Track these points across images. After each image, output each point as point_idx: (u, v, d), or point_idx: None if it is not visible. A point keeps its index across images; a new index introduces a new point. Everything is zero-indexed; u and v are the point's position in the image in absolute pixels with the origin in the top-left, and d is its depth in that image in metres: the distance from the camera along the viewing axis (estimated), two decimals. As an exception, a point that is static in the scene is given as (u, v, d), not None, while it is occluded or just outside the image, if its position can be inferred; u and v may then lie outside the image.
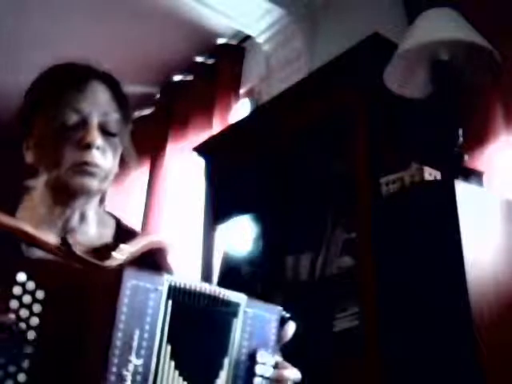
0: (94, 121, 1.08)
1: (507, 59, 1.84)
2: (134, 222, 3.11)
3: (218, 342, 0.91)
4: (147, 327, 0.83)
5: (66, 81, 1.11)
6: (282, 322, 0.99)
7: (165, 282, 0.85)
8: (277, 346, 0.98)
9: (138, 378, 0.81)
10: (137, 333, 0.82)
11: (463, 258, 1.52)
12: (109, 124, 1.10)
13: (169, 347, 0.85)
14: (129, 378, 0.80)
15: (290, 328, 1.01)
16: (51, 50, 3.14)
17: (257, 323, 0.95)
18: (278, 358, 0.98)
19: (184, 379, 0.86)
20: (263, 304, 0.97)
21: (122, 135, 1.14)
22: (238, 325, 0.92)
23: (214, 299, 0.90)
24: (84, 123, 1.08)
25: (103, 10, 3.00)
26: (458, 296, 1.50)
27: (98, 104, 1.10)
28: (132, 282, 0.82)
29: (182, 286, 0.87)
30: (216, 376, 0.89)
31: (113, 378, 0.79)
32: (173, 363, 0.85)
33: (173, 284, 0.86)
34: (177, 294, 0.86)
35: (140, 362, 0.81)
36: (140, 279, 0.83)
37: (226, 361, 0.91)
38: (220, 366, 0.90)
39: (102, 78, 1.13)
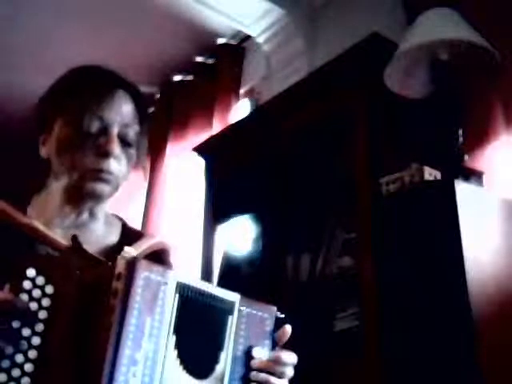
0: (115, 130, 1.11)
1: (507, 59, 1.84)
2: (133, 221, 3.11)
3: (214, 337, 0.96)
4: (157, 317, 0.87)
5: (92, 86, 1.13)
6: (278, 322, 1.02)
7: (173, 276, 0.90)
8: (273, 345, 1.01)
9: (149, 363, 0.85)
10: (148, 321, 0.86)
11: (463, 258, 1.52)
12: (128, 135, 1.13)
13: (174, 338, 0.89)
14: (141, 361, 0.84)
15: (287, 330, 1.03)
16: (53, 50, 3.16)
17: (251, 321, 0.99)
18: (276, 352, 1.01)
19: (184, 368, 0.91)
20: (257, 303, 1.01)
21: (139, 146, 1.17)
22: (233, 322, 0.97)
23: (210, 297, 0.95)
24: (105, 131, 1.10)
25: (103, 11, 3.00)
26: (458, 296, 1.50)
27: (121, 114, 1.12)
28: (145, 273, 0.86)
29: (187, 282, 0.92)
30: (212, 369, 0.94)
31: (126, 360, 0.83)
32: (175, 353, 0.89)
33: (180, 280, 0.91)
34: (182, 290, 0.91)
35: (151, 347, 0.86)
36: (151, 271, 0.87)
37: (222, 355, 0.96)
38: (216, 360, 0.95)
39: (127, 89, 1.16)
